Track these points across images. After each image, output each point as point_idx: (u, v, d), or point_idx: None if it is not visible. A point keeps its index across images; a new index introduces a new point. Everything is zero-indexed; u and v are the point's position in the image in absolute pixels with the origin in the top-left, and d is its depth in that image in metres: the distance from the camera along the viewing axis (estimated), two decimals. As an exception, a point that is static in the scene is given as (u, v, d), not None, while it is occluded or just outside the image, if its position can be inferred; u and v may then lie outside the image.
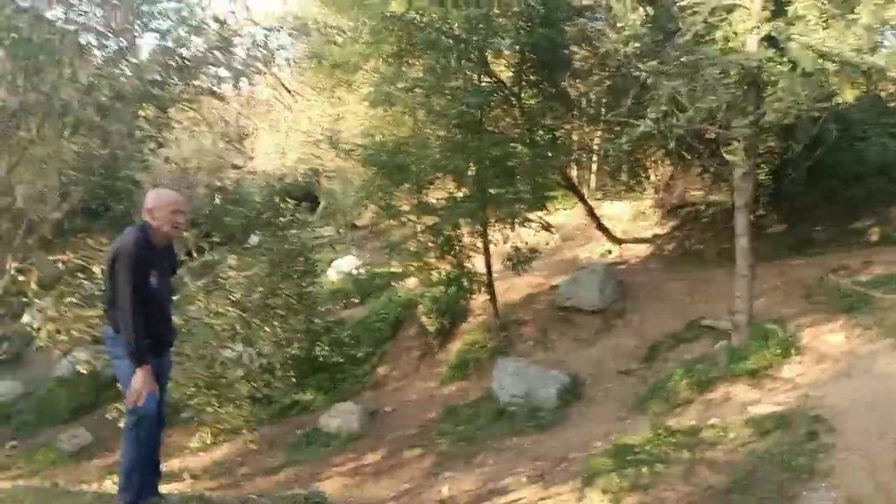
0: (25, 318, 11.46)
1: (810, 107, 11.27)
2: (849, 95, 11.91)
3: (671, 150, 16.22)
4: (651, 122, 12.42)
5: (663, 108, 12.22)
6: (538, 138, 17.13)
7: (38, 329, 10.31)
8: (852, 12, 10.82)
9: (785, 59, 11.34)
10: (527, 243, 16.75)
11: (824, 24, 11.14)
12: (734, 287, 12.71)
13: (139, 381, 4.12)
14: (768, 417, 9.90)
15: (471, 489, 11.41)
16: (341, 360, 16.45)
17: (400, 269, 18.35)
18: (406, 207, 16.73)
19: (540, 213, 16.59)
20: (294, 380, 14.65)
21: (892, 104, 13.32)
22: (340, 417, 14.85)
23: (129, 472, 4.32)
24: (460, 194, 16.17)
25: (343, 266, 21.88)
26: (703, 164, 18.57)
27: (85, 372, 11.27)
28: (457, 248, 16.23)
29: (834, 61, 11.04)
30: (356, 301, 20.06)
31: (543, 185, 17.05)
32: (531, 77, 16.93)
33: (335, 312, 18.47)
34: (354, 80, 20.19)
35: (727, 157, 12.23)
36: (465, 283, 16.60)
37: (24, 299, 10.40)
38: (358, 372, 17.25)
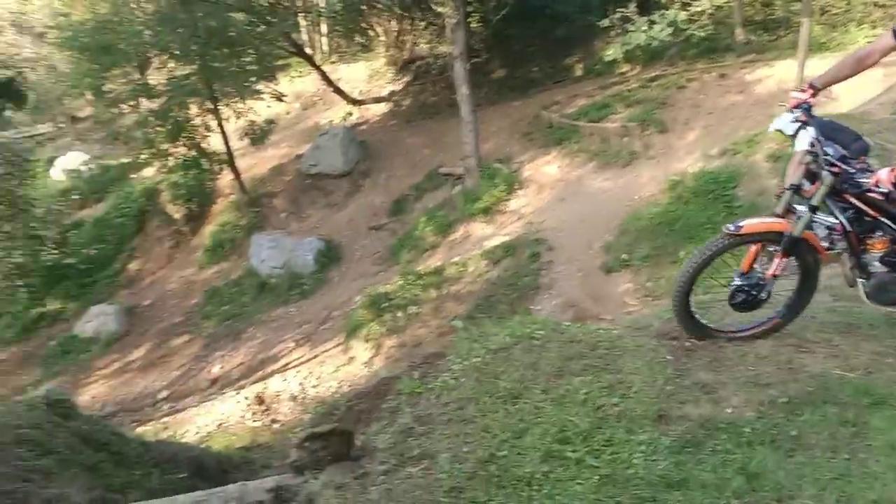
0: None
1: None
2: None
3: (392, 6, 16.39)
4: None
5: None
6: (255, 4, 16.34)
7: None
8: None
9: None
10: (260, 116, 16.44)
11: None
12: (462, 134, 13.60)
13: None
14: (499, 247, 11.13)
15: (242, 362, 11.75)
16: (75, 262, 15.50)
17: (132, 160, 17.14)
18: (124, 92, 15.48)
19: (271, 84, 16.22)
20: (28, 290, 13.64)
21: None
22: (96, 320, 14.16)
23: None
24: (183, 72, 15.22)
25: (68, 163, 19.94)
26: (426, 18, 19.02)
27: None
28: (188, 129, 15.49)
29: None
30: (91, 199, 18.60)
31: (269, 53, 16.55)
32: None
33: (69, 214, 17.17)
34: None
35: (437, 8, 12.69)
36: (205, 165, 16.12)
37: None
38: (107, 272, 16.35)
